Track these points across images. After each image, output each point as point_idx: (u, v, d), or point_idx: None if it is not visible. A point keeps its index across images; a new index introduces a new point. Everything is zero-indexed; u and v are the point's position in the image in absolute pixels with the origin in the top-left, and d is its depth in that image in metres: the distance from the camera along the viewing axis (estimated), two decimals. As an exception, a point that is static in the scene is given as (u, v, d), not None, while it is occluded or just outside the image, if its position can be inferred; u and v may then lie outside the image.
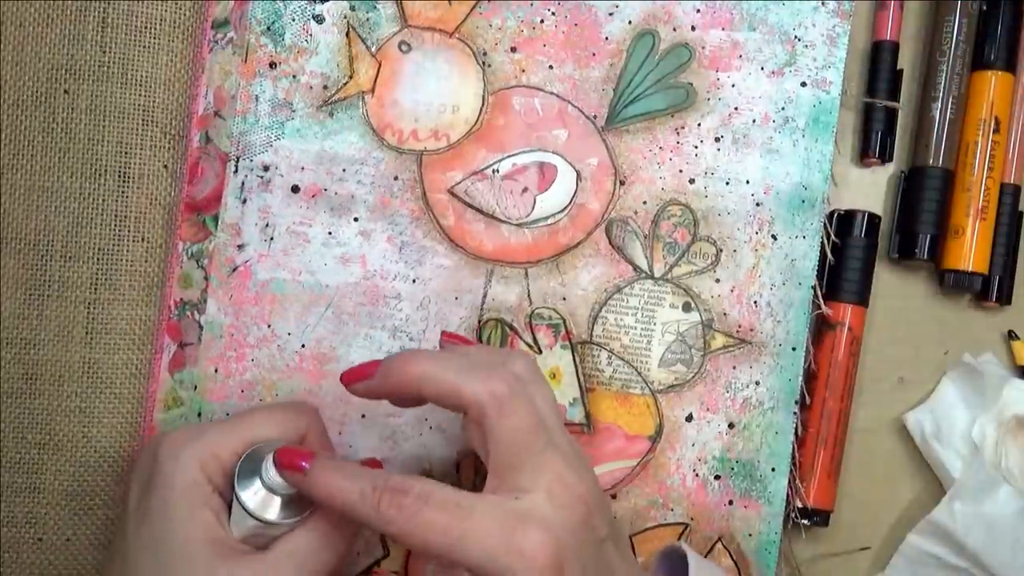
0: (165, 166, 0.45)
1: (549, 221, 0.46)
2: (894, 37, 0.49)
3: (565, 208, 0.46)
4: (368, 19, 0.46)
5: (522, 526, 0.34)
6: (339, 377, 0.40)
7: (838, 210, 0.48)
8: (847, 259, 0.47)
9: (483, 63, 0.47)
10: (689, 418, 0.46)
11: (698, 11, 0.47)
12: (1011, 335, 0.49)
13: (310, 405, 0.43)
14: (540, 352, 0.46)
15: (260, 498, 0.38)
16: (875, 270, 0.49)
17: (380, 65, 0.46)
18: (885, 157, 0.49)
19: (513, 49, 0.47)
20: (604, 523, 0.36)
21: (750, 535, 0.46)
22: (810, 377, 0.47)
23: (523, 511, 0.34)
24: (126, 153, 0.45)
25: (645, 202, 0.47)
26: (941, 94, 0.48)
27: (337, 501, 0.36)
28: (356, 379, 0.39)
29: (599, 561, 0.36)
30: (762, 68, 0.47)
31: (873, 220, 0.48)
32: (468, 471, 0.46)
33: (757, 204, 0.47)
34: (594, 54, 0.47)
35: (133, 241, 0.45)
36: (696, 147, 0.47)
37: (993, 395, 0.47)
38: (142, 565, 0.37)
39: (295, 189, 0.46)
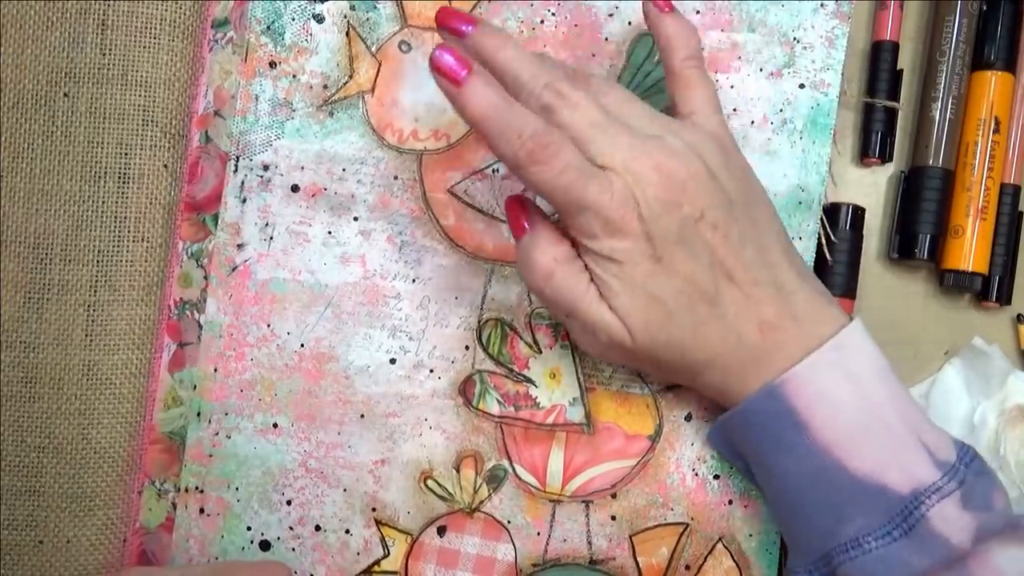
0: (165, 166, 0.45)
1: (549, 221, 0.46)
2: (894, 37, 0.49)
3: (565, 208, 0.46)
4: (368, 19, 0.46)
5: (600, 176, 0.38)
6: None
7: (823, 204, 0.48)
8: (834, 252, 0.47)
9: (483, 63, 0.47)
10: (688, 417, 0.46)
11: (698, 12, 0.47)
12: (1019, 319, 0.49)
13: (284, 569, 0.41)
14: (540, 352, 0.46)
15: None
16: (876, 270, 0.49)
17: (380, 65, 0.47)
18: (885, 157, 0.49)
19: (513, 49, 0.47)
20: (695, 204, 0.38)
21: (751, 535, 0.46)
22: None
23: (600, 171, 0.38)
24: (126, 154, 0.45)
25: (645, 202, 0.47)
26: (941, 94, 0.48)
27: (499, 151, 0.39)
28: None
29: (688, 235, 0.38)
30: (761, 70, 0.47)
31: (858, 212, 0.48)
32: (468, 471, 0.46)
33: (757, 204, 0.47)
34: (594, 55, 0.47)
35: (133, 241, 0.45)
36: (696, 147, 0.47)
37: (998, 383, 0.47)
38: None
39: (295, 188, 0.46)
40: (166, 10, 0.45)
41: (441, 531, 0.46)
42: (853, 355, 0.39)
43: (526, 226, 0.41)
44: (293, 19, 0.46)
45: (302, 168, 0.46)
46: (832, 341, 0.39)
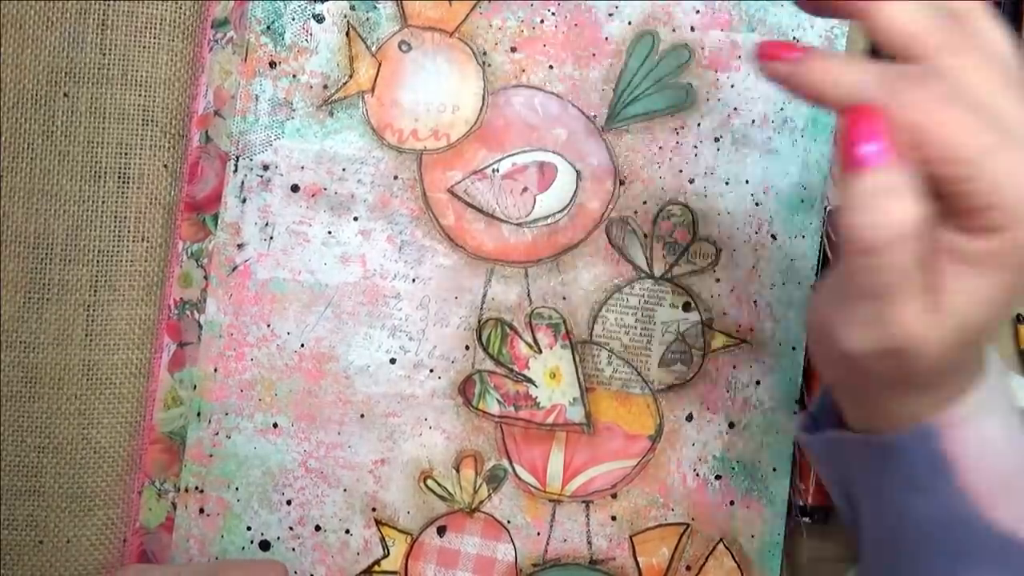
0: (165, 166, 0.45)
1: (549, 221, 0.46)
2: (893, 37, 0.49)
3: (565, 208, 0.46)
4: (368, 19, 0.47)
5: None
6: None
7: (828, 206, 0.48)
8: (836, 252, 0.47)
9: (483, 63, 0.47)
10: (689, 418, 0.46)
11: (697, 12, 0.47)
12: (1019, 319, 0.49)
13: (280, 567, 0.40)
14: (540, 352, 0.46)
15: None
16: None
17: (380, 65, 0.47)
18: (885, 157, 0.49)
19: (513, 49, 0.47)
20: None
21: (752, 536, 0.46)
22: (810, 376, 0.47)
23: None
24: (126, 154, 0.45)
25: (645, 202, 0.47)
26: (941, 94, 0.48)
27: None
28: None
29: None
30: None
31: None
32: (468, 471, 0.46)
33: (756, 204, 0.47)
34: (594, 54, 0.47)
35: (133, 241, 0.45)
36: (696, 147, 0.47)
37: None
38: None
39: (295, 188, 0.46)
40: (166, 10, 0.45)
41: (441, 531, 0.46)
42: (1000, 397, 0.35)
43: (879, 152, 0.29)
44: (293, 19, 0.46)
45: (302, 168, 0.46)
46: (984, 383, 0.35)
